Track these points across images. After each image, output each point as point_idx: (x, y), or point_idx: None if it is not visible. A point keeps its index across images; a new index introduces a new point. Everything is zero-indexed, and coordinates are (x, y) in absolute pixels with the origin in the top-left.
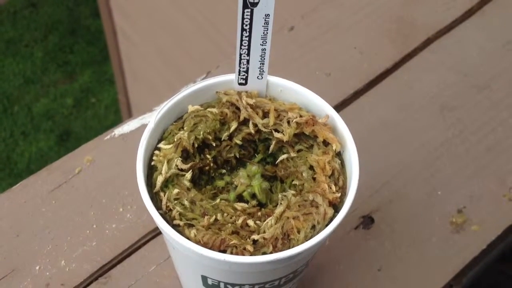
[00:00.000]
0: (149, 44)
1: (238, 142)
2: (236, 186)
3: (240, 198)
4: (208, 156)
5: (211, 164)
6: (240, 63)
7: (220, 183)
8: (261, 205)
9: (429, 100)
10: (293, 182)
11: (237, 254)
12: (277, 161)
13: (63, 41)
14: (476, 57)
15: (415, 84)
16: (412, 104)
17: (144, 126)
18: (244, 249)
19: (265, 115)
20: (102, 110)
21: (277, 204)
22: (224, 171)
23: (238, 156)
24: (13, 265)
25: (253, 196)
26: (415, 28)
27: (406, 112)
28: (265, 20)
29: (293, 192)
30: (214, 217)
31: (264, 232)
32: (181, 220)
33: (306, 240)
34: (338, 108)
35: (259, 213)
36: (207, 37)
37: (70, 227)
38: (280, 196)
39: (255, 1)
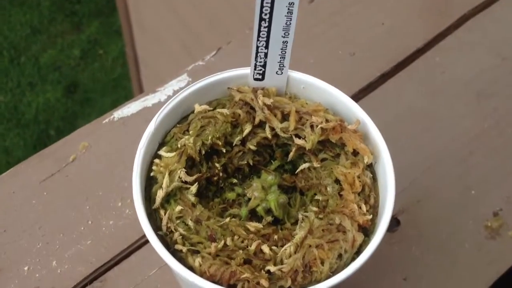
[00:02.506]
0: None
1: (252, 147)
2: (249, 199)
3: (252, 212)
4: (217, 164)
5: (220, 174)
6: (256, 56)
7: (230, 196)
8: (277, 220)
9: (464, 86)
10: (316, 197)
11: None
12: (297, 171)
13: None
14: None
15: (448, 67)
16: (444, 90)
17: (146, 109)
18: (258, 283)
19: (285, 117)
20: (109, 62)
21: (296, 221)
22: (235, 180)
23: (251, 163)
24: None
25: (268, 210)
26: (449, 3)
27: (438, 99)
28: (288, 8)
29: (315, 209)
30: (222, 242)
31: (282, 261)
32: (184, 244)
33: (331, 272)
34: (362, 92)
35: (276, 236)
36: None
37: (63, 222)
38: (300, 216)
39: None
